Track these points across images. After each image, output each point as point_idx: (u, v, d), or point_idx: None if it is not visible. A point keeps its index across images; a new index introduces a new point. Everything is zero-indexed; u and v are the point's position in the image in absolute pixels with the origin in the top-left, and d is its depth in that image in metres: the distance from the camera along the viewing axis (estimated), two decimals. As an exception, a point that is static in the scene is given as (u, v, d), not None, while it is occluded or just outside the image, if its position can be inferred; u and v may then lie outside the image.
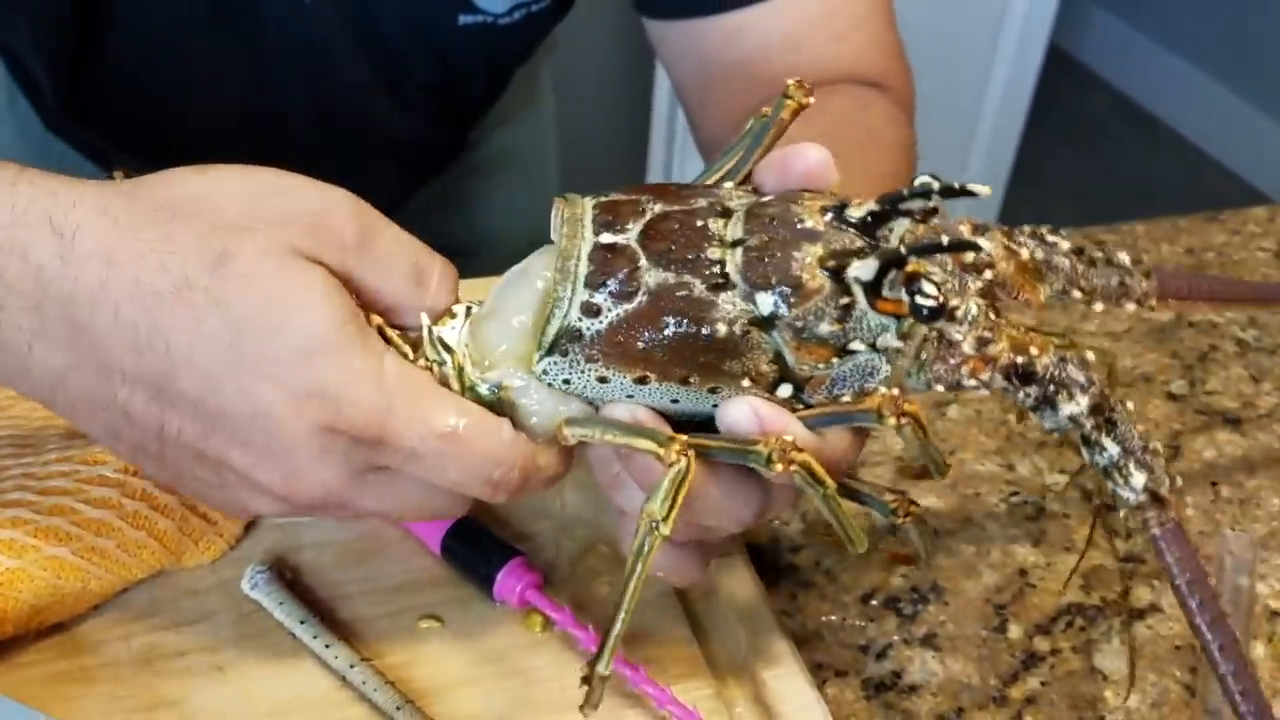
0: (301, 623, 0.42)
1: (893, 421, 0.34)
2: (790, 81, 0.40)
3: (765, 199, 0.38)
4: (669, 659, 0.43)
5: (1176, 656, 0.49)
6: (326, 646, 0.42)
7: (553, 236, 0.38)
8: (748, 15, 0.57)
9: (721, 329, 0.35)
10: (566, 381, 0.36)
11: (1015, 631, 0.49)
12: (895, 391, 0.35)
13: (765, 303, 0.35)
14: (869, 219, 0.36)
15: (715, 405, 0.36)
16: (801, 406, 0.36)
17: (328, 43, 0.60)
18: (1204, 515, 0.55)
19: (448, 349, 0.37)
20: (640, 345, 0.35)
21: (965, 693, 0.46)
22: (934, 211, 0.37)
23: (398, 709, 0.40)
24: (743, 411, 0.35)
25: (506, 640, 0.43)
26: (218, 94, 0.62)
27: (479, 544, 0.44)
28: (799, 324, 0.35)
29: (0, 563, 0.40)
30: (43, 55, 0.61)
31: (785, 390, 0.36)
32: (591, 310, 0.36)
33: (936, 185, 0.36)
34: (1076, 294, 0.40)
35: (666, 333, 0.35)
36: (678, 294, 0.35)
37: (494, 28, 0.60)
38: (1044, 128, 2.17)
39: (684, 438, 0.35)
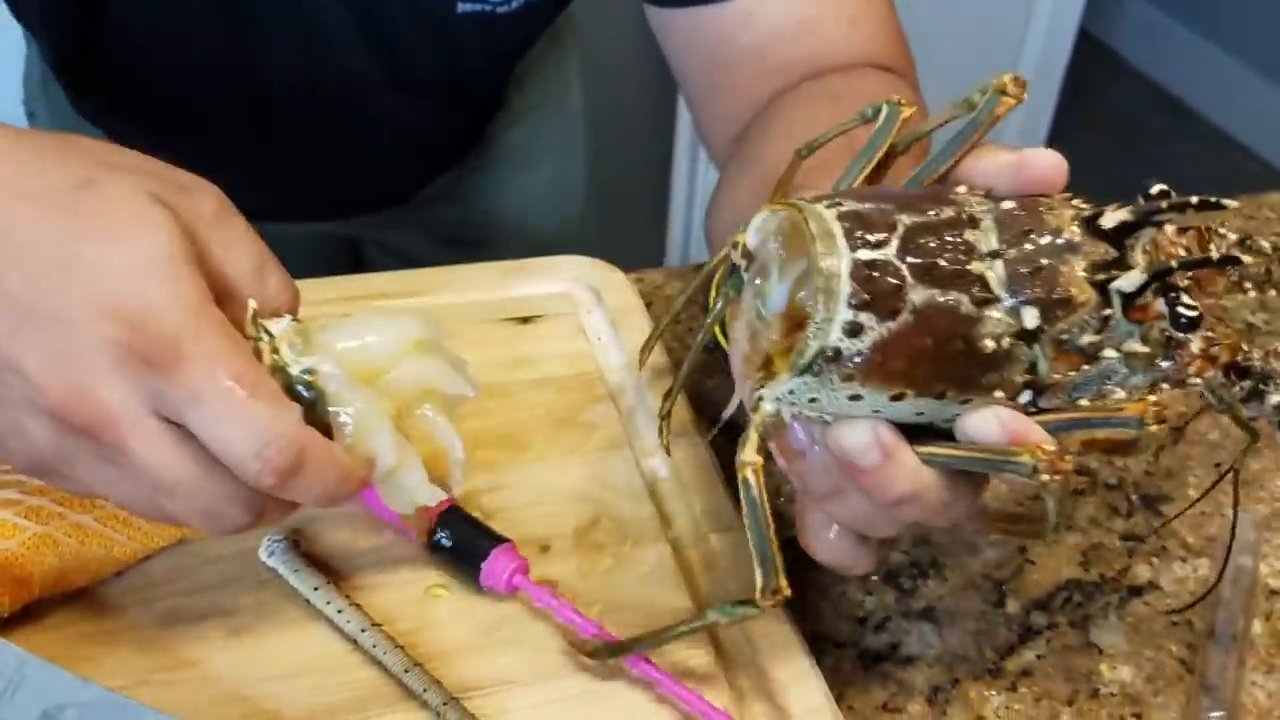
0: (315, 589, 0.44)
1: (1154, 428, 0.35)
2: (1009, 76, 0.39)
3: (1009, 206, 0.38)
4: (687, 662, 0.44)
5: (1173, 632, 0.49)
6: (339, 612, 0.43)
7: (750, 240, 0.38)
8: (757, 0, 0.58)
9: (988, 344, 0.36)
10: (813, 400, 0.36)
11: (1013, 606, 0.50)
12: (1153, 398, 0.36)
13: (1031, 317, 0.36)
14: (1120, 228, 0.37)
15: (956, 414, 0.36)
16: (1034, 410, 0.37)
17: (328, 30, 0.61)
18: (1210, 498, 0.56)
19: (269, 333, 0.37)
20: (904, 363, 0.35)
21: (961, 665, 0.47)
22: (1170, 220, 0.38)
23: (406, 671, 0.42)
24: (989, 423, 0.35)
25: (511, 608, 0.45)
26: (219, 80, 0.63)
27: (464, 533, 0.45)
28: (1063, 336, 0.36)
29: (27, 528, 0.42)
30: (50, 39, 0.63)
31: (1025, 396, 0.37)
32: (855, 330, 0.35)
33: (1194, 200, 0.37)
34: (1247, 285, 0.41)
35: (933, 350, 0.35)
36: (945, 311, 0.35)
37: (494, 16, 0.61)
38: (1075, 116, 2.16)
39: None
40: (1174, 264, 0.36)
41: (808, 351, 0.35)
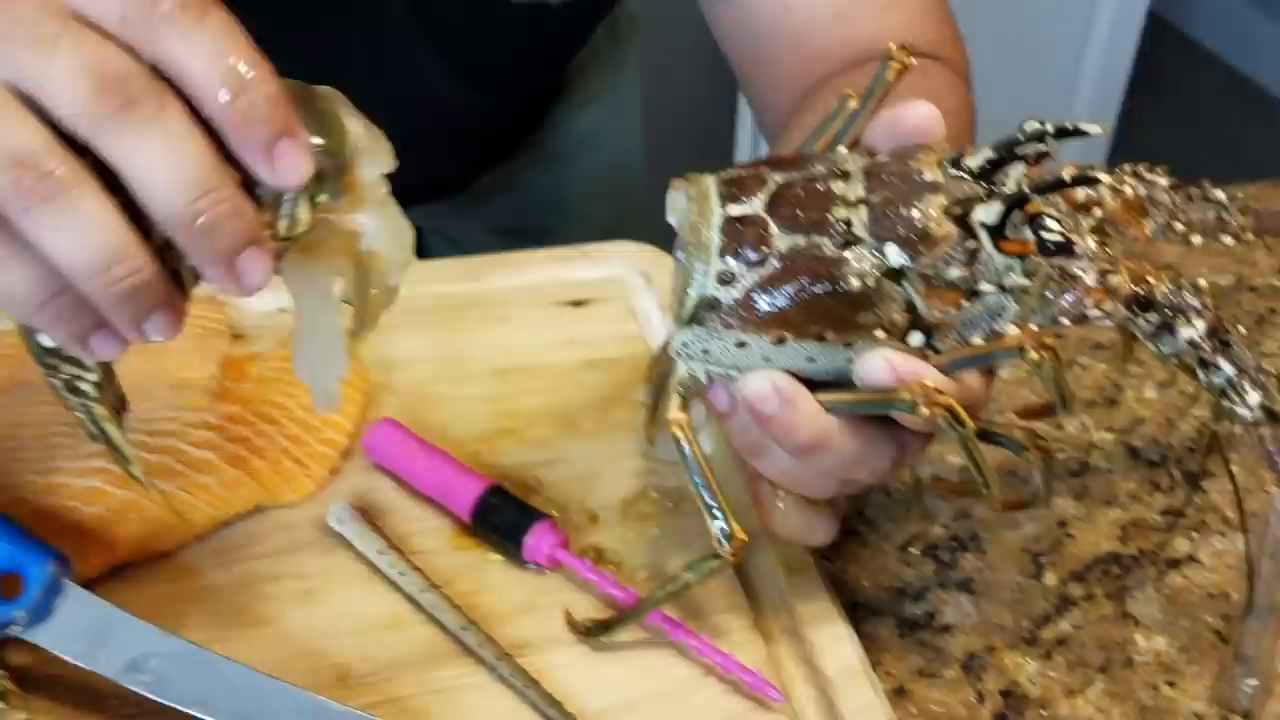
0: (379, 553, 0.47)
1: (1035, 356, 0.36)
2: (891, 45, 0.43)
3: (881, 158, 0.40)
4: (725, 625, 0.46)
5: (1210, 604, 0.50)
6: (401, 574, 0.46)
7: (669, 218, 0.41)
8: None
9: (854, 283, 0.38)
10: (706, 351, 0.39)
11: (1050, 578, 0.51)
12: (1033, 327, 0.37)
13: (894, 254, 0.38)
14: (986, 166, 0.39)
15: (850, 360, 0.38)
16: (932, 353, 0.39)
17: (388, 23, 0.64)
18: (1249, 472, 0.56)
19: None
20: (776, 307, 0.38)
21: (997, 633, 0.49)
22: (1045, 155, 0.39)
23: (463, 629, 0.44)
24: (876, 364, 0.37)
25: (556, 576, 0.47)
26: (282, 71, 0.66)
27: (503, 512, 0.47)
28: (929, 271, 0.38)
29: (115, 495, 0.46)
30: None
31: (916, 338, 0.39)
32: (727, 279, 0.38)
33: (1051, 129, 0.38)
34: (1178, 227, 0.42)
35: (801, 292, 0.38)
36: (809, 255, 0.38)
37: (547, 9, 0.64)
38: (1148, 102, 2.13)
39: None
40: (1025, 189, 0.37)
41: (689, 302, 0.39)
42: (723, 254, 0.39)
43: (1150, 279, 0.38)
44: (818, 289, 0.38)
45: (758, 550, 0.48)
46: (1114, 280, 0.38)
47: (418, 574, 0.46)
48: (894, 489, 0.55)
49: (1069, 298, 0.38)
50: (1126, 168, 0.42)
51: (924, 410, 0.36)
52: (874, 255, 0.38)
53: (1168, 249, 0.67)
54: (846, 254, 0.38)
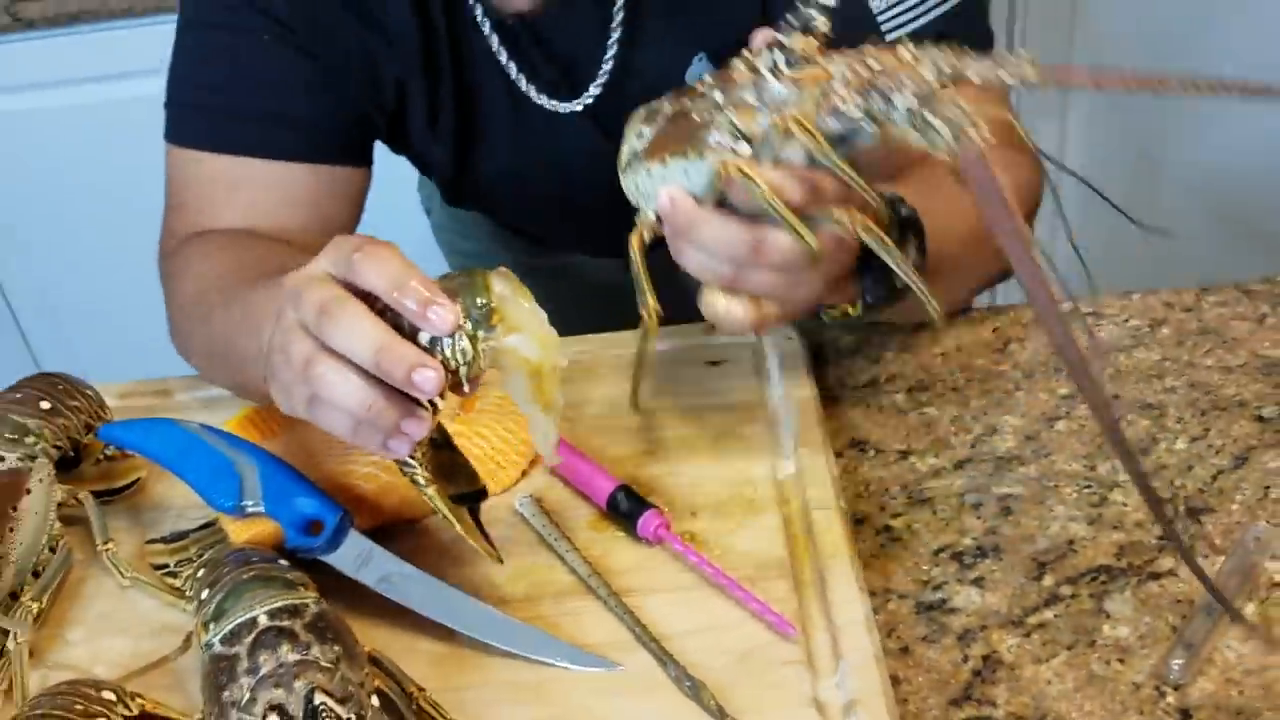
0: (544, 527, 0.69)
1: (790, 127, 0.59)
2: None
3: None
4: (762, 578, 0.65)
5: (1175, 607, 0.63)
6: (555, 540, 0.68)
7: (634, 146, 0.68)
8: None
9: (695, 118, 0.62)
10: (637, 188, 0.66)
11: (1048, 580, 0.65)
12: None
13: (717, 96, 0.62)
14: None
15: (710, 171, 0.61)
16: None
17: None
18: (1248, 510, 0.68)
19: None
20: (661, 142, 0.64)
21: (992, 617, 0.64)
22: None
23: (589, 576, 0.65)
24: (667, 197, 0.62)
25: (663, 550, 0.67)
26: (541, 204, 0.93)
27: (626, 504, 0.68)
28: (736, 101, 0.61)
29: (383, 479, 0.70)
30: (432, 178, 0.95)
31: (743, 147, 0.60)
32: (640, 135, 0.66)
33: None
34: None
35: (669, 126, 0.64)
36: (679, 112, 0.64)
37: None
38: None
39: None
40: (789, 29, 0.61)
41: (624, 155, 0.66)
42: (639, 124, 0.66)
43: (862, 72, 0.58)
44: (681, 126, 0.63)
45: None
46: (846, 85, 0.58)
47: (567, 541, 0.68)
48: (934, 501, 0.71)
49: (827, 104, 0.58)
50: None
51: (732, 172, 0.59)
52: (710, 98, 0.62)
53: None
54: (694, 104, 0.63)
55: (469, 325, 0.57)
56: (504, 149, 0.90)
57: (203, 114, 0.84)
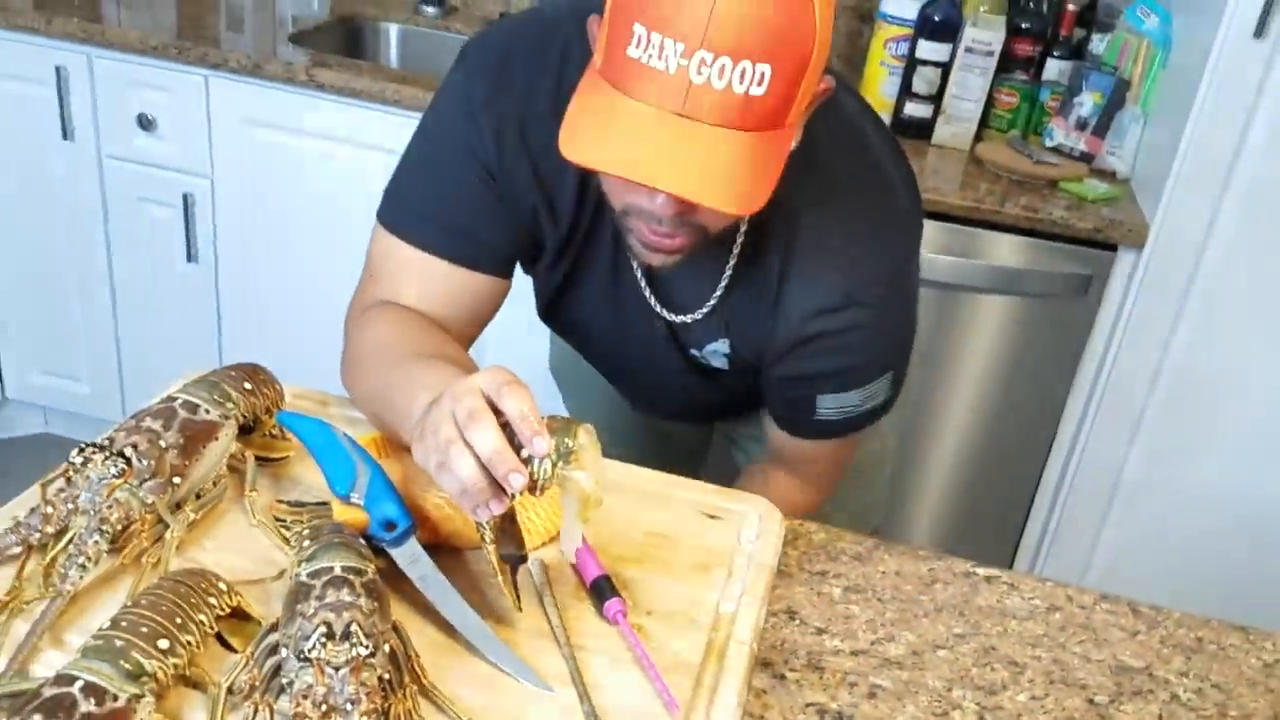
0: (540, 585, 0.95)
1: None
2: None
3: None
4: (674, 670, 0.89)
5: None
6: (550, 605, 0.93)
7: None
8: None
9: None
10: None
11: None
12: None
13: None
14: None
15: None
16: None
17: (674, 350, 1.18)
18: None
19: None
20: None
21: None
22: None
23: (557, 626, 0.90)
24: None
25: (618, 630, 0.92)
26: (609, 349, 1.23)
27: (602, 589, 0.93)
28: None
29: (445, 509, 0.97)
30: (541, 290, 1.26)
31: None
32: None
33: None
34: None
35: None
36: None
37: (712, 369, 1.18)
38: None
39: None
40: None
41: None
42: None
43: None
44: None
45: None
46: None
47: (553, 598, 0.93)
48: (825, 670, 0.93)
49: None
50: None
51: None
52: None
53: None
54: None
55: (555, 455, 0.85)
56: (589, 304, 1.20)
57: (412, 212, 1.14)
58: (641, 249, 1.00)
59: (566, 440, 0.84)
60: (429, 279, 1.14)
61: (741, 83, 0.83)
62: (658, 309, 1.15)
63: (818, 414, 1.15)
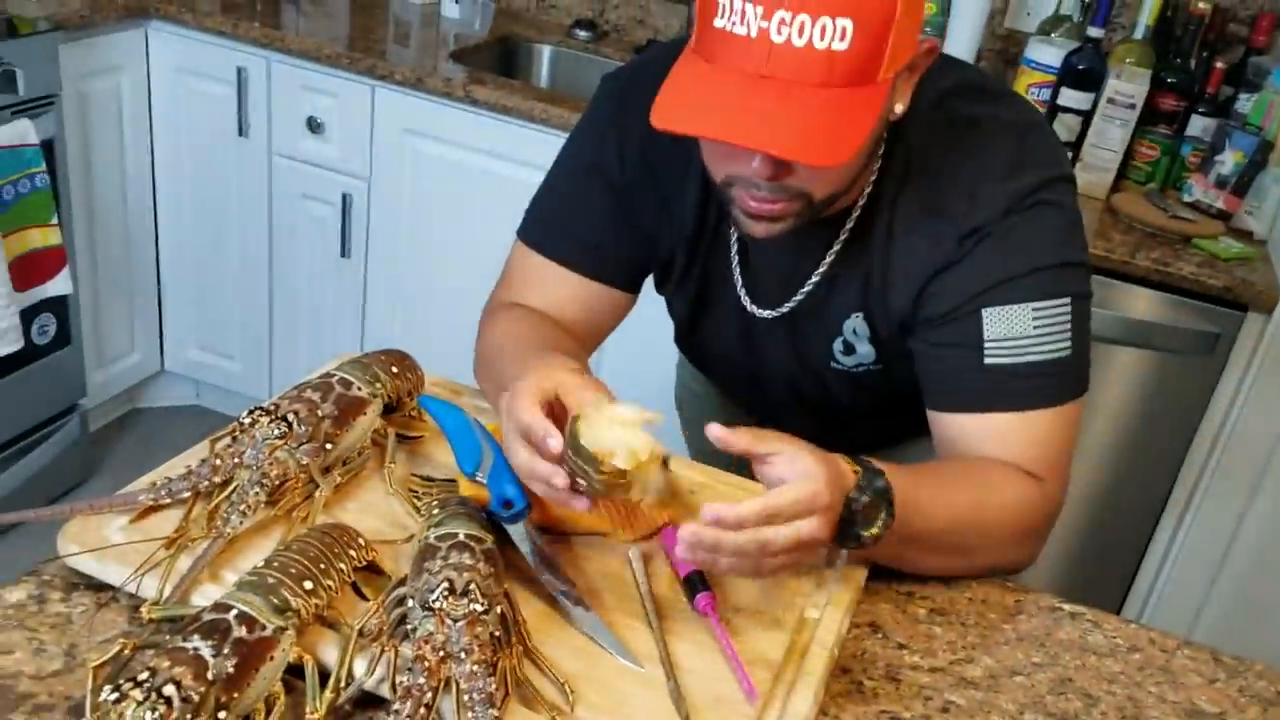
0: (639, 573, 1.02)
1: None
2: None
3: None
4: (756, 664, 0.95)
5: None
6: (640, 583, 1.01)
7: None
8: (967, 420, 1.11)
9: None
10: None
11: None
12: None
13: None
14: None
15: None
16: None
17: (791, 360, 1.24)
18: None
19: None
20: None
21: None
22: None
23: (650, 609, 0.98)
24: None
25: (708, 621, 0.99)
26: (737, 373, 1.29)
27: (695, 582, 1.00)
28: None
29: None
30: (676, 315, 1.34)
31: None
32: None
33: None
34: None
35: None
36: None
37: (851, 373, 1.20)
38: None
39: None
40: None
41: None
42: None
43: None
44: None
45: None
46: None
47: (649, 586, 1.01)
48: (901, 683, 0.99)
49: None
50: None
51: None
52: None
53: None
54: None
55: (595, 471, 0.92)
56: (724, 327, 1.27)
57: (548, 229, 1.25)
58: (745, 219, 1.03)
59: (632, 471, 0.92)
60: (555, 286, 1.24)
61: (823, 39, 0.85)
62: (756, 311, 1.21)
63: (986, 356, 1.05)
